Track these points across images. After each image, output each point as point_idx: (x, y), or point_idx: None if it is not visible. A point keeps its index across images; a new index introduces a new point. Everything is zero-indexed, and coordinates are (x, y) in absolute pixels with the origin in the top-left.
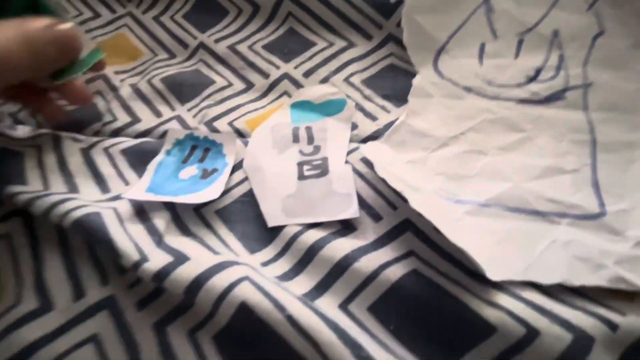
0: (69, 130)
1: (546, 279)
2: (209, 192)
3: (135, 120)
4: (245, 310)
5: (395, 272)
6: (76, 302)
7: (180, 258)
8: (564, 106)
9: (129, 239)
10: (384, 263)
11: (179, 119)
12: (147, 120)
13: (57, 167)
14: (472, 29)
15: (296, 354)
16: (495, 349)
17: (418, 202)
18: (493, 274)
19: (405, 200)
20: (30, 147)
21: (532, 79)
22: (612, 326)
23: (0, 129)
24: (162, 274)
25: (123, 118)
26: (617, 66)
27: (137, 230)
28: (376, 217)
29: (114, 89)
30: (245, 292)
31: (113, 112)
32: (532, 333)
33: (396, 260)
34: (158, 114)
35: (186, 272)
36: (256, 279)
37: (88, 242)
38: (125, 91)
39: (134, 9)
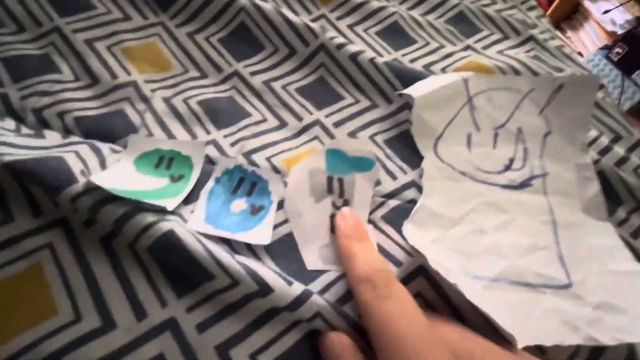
0: (101, 139)
1: (547, 342)
2: (260, 233)
3: (171, 138)
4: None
5: None
6: (139, 322)
7: (265, 288)
8: (532, 192)
9: (211, 257)
10: None
11: (215, 144)
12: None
13: (101, 170)
14: (461, 122)
15: None
16: None
17: (458, 282)
18: (520, 342)
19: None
20: (68, 152)
21: (508, 167)
22: None
23: (26, 141)
24: (256, 296)
25: (158, 134)
26: (562, 160)
27: (214, 248)
28: (398, 263)
29: (144, 99)
30: (319, 326)
31: (148, 126)
32: None
33: None
34: (194, 135)
35: (274, 301)
36: (327, 315)
37: (171, 261)
38: (159, 105)
39: (168, 20)
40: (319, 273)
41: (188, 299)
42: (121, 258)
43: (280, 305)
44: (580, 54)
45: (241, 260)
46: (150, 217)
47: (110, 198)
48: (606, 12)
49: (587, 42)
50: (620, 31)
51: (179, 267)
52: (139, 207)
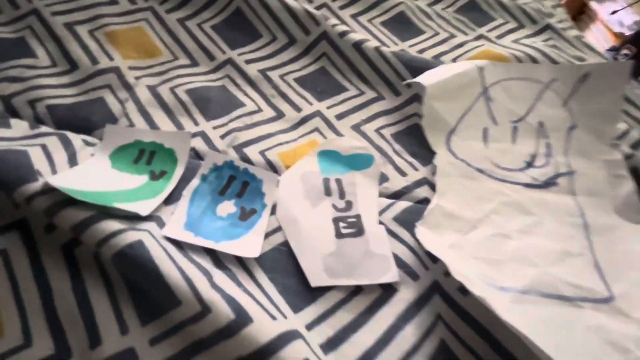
0: (76, 130)
1: None
2: (249, 243)
3: (154, 129)
4: None
5: (429, 347)
6: (93, 350)
7: (243, 316)
8: (558, 191)
9: (183, 277)
10: (423, 334)
11: (204, 136)
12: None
13: (69, 166)
14: (476, 114)
15: None
16: None
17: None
18: None
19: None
20: (33, 146)
21: (530, 164)
22: None
23: None
24: (228, 331)
25: (140, 125)
26: (589, 156)
27: (188, 267)
28: (414, 275)
29: (127, 86)
30: None
31: (129, 116)
32: None
33: (431, 328)
34: (180, 126)
35: (251, 338)
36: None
37: (135, 279)
38: (143, 93)
39: (157, 5)
40: (321, 292)
41: (152, 328)
42: (83, 270)
43: (259, 343)
44: None
45: (219, 284)
46: (115, 225)
47: (72, 200)
48: (614, 12)
49: (593, 43)
50: (628, 32)
51: (145, 285)
52: (104, 211)
